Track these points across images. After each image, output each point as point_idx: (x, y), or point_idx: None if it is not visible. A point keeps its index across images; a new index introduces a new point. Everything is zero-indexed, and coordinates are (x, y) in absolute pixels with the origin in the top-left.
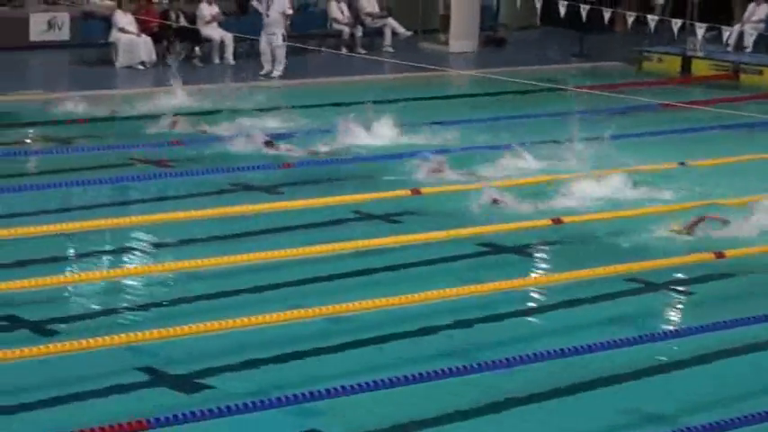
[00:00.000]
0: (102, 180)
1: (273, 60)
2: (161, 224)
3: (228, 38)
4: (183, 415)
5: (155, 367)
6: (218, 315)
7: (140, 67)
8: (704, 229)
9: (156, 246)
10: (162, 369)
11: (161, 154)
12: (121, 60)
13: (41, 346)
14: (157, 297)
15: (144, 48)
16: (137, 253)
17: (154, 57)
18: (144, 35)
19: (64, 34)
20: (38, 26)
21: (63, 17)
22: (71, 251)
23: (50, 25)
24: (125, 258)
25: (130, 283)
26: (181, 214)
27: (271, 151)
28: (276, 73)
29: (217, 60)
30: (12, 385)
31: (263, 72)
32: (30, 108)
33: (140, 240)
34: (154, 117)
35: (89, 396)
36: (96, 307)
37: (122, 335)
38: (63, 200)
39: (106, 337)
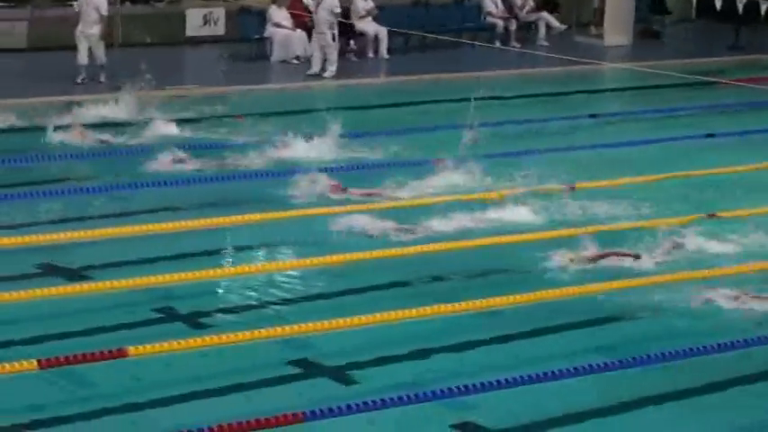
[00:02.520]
0: (259, 174)
1: (324, 60)
2: (315, 220)
3: (383, 32)
4: (339, 408)
5: (309, 360)
6: (366, 309)
7: (295, 61)
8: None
9: (308, 242)
10: (316, 362)
11: None
12: (276, 55)
13: (197, 339)
14: (309, 291)
15: (298, 42)
16: (291, 247)
17: (308, 51)
18: (299, 30)
19: (219, 29)
20: (194, 21)
21: (219, 12)
22: (227, 245)
23: (206, 20)
24: (279, 252)
25: (283, 276)
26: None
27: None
28: (328, 73)
29: (371, 55)
30: (168, 377)
31: (310, 72)
32: (185, 103)
33: (293, 235)
34: (308, 112)
35: (244, 388)
36: (251, 300)
37: (277, 327)
38: (218, 194)
39: (262, 330)
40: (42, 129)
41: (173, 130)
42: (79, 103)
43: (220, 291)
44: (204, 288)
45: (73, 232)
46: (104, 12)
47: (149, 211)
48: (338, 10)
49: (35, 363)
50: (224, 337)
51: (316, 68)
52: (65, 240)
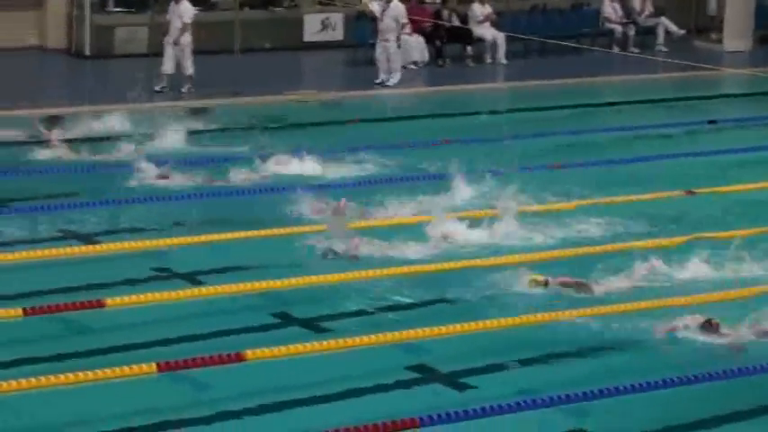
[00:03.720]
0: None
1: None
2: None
3: (501, 37)
4: (456, 414)
5: (425, 365)
6: (478, 315)
7: (413, 66)
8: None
9: (422, 247)
10: (432, 367)
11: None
12: None
13: (314, 343)
14: (421, 296)
15: (416, 47)
16: (404, 252)
17: (426, 56)
18: (416, 35)
19: (338, 34)
20: (312, 26)
21: (337, 17)
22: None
23: (324, 25)
24: (394, 258)
25: (397, 281)
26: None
27: None
28: (392, 81)
29: (489, 60)
30: (283, 382)
31: (377, 81)
32: (304, 108)
33: (411, 240)
34: (425, 117)
35: (360, 393)
36: (367, 305)
37: (394, 333)
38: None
39: (379, 335)
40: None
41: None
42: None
43: (337, 296)
44: (321, 293)
45: (189, 237)
46: (187, 20)
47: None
48: (404, 19)
49: (154, 366)
50: (341, 341)
51: (383, 76)
52: (182, 244)
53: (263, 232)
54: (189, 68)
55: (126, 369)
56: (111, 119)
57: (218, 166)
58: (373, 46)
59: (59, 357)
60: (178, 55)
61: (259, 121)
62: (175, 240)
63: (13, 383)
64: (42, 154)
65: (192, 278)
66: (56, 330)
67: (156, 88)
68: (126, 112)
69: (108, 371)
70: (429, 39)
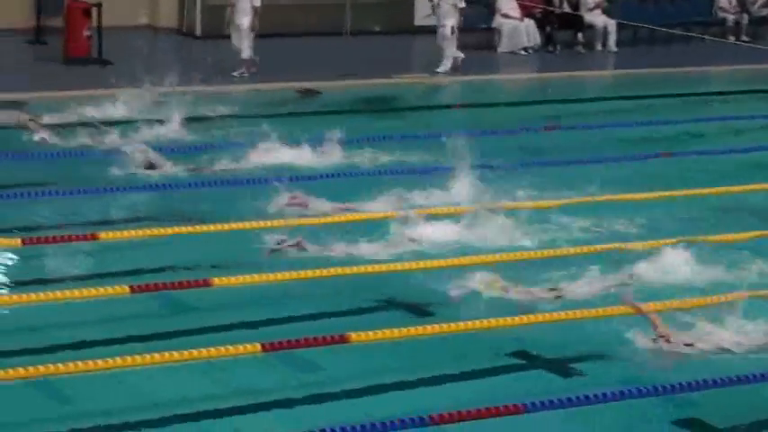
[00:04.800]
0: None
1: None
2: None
3: (612, 25)
4: (559, 401)
5: (529, 351)
6: (588, 303)
7: (522, 52)
8: None
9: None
10: (536, 353)
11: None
12: (504, 45)
13: (418, 327)
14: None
15: (526, 33)
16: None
17: (537, 42)
18: (526, 20)
19: None
20: (423, 10)
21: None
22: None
23: (434, 9)
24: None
25: (499, 267)
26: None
27: None
28: (442, 68)
29: (599, 47)
30: (389, 364)
31: (439, 69)
32: (414, 91)
33: (526, 224)
34: (533, 104)
35: (465, 377)
36: (471, 289)
37: (498, 319)
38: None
39: (483, 321)
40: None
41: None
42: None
43: (440, 280)
44: (425, 277)
45: (296, 219)
46: (257, 3)
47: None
48: (462, 4)
49: (258, 346)
50: (444, 326)
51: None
52: (288, 226)
53: (371, 215)
54: (246, 51)
55: (230, 348)
56: (219, 99)
57: (325, 147)
58: (486, 31)
59: (165, 335)
60: (241, 37)
61: (364, 105)
62: (280, 222)
63: (119, 360)
64: (156, 132)
65: (298, 259)
66: (162, 309)
67: (235, 74)
68: (236, 93)
69: (212, 350)
70: (540, 24)
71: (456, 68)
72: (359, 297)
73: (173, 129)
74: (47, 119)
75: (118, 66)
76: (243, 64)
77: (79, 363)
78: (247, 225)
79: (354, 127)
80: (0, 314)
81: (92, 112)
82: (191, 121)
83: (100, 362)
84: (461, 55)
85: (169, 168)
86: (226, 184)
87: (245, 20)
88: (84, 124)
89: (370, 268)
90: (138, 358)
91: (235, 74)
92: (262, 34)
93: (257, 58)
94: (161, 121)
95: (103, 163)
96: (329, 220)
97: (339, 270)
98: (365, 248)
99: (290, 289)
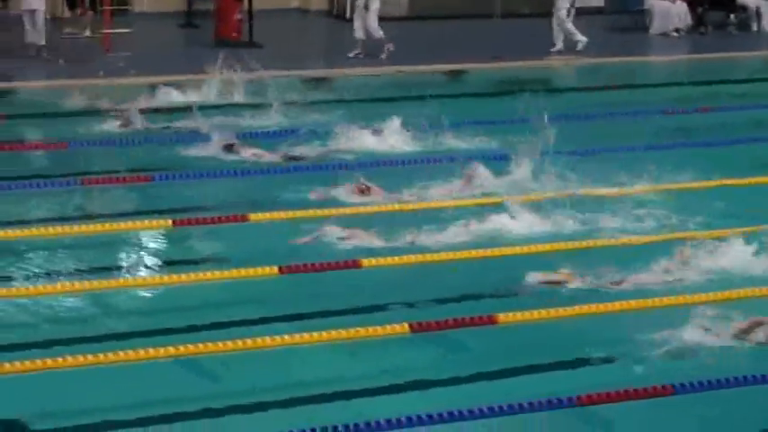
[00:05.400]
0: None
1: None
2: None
3: (764, 5)
4: (709, 382)
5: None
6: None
7: (674, 33)
8: None
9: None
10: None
11: None
12: (655, 27)
13: (559, 309)
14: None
15: (678, 14)
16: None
17: (688, 23)
18: (678, 1)
19: (599, 0)
20: None
21: None
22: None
23: None
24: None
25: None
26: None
27: None
28: (555, 49)
29: (754, 29)
30: (536, 345)
31: (553, 49)
32: (565, 73)
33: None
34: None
35: (611, 359)
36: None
37: (647, 299)
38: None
39: (631, 301)
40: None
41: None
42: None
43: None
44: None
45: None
46: None
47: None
48: None
49: (407, 326)
50: (586, 307)
51: (558, 45)
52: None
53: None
54: (375, 33)
55: (378, 329)
56: (366, 81)
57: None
58: (638, 12)
59: (312, 315)
60: (366, 20)
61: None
62: (431, 204)
63: (267, 340)
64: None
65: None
66: (310, 289)
67: (350, 55)
68: (386, 75)
69: (361, 330)
70: (692, 5)
71: (572, 49)
72: (505, 278)
73: (316, 110)
74: (195, 99)
75: (268, 48)
76: (359, 45)
77: (228, 342)
78: (397, 207)
79: (505, 108)
80: (151, 294)
81: (240, 95)
82: (336, 102)
83: (249, 341)
84: (583, 39)
85: (312, 151)
86: (383, 164)
87: (374, 2)
88: (232, 106)
89: (517, 249)
90: (286, 338)
91: (350, 54)
92: (414, 17)
93: (385, 38)
94: (307, 103)
95: (253, 145)
96: (484, 201)
97: (482, 252)
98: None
99: (435, 270)
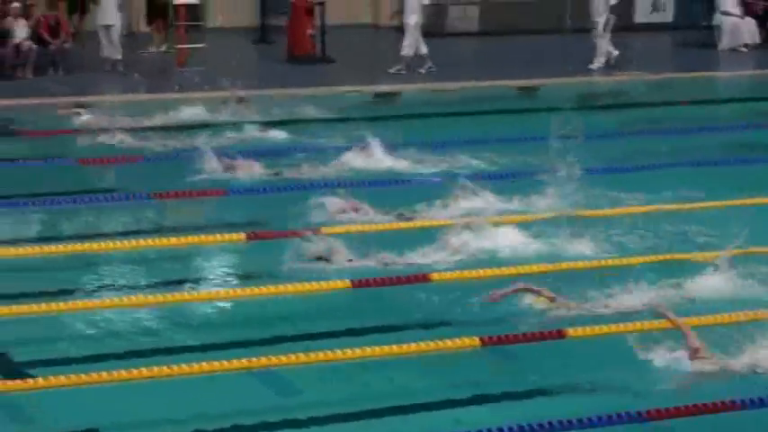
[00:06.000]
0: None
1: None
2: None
3: None
4: None
5: None
6: None
7: (743, 49)
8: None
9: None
10: None
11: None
12: (724, 43)
13: (636, 323)
14: None
15: (748, 29)
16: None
17: (757, 39)
18: (748, 17)
19: (668, 16)
20: (643, 8)
21: None
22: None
23: (655, 7)
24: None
25: None
26: None
27: None
28: (594, 65)
29: None
30: (604, 360)
31: (592, 66)
32: (636, 88)
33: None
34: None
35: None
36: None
37: None
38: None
39: None
40: None
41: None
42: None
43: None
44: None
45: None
46: (426, 1)
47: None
48: (613, 1)
49: (477, 340)
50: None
51: (598, 61)
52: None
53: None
54: (421, 49)
55: (449, 342)
56: (432, 97)
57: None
58: (706, 28)
59: (382, 329)
60: (411, 35)
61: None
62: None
63: (339, 353)
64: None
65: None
66: (379, 303)
67: (391, 70)
68: (450, 91)
69: (431, 344)
70: (761, 22)
71: (609, 64)
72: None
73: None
74: (274, 115)
75: (340, 63)
76: (402, 60)
77: (300, 354)
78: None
79: (577, 123)
80: (224, 307)
81: (314, 109)
82: (407, 117)
83: (320, 354)
84: (615, 51)
85: (392, 162)
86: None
87: (412, 17)
88: (308, 120)
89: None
90: (357, 351)
91: (391, 70)
92: (485, 32)
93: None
94: (376, 119)
95: (330, 157)
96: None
97: (552, 266)
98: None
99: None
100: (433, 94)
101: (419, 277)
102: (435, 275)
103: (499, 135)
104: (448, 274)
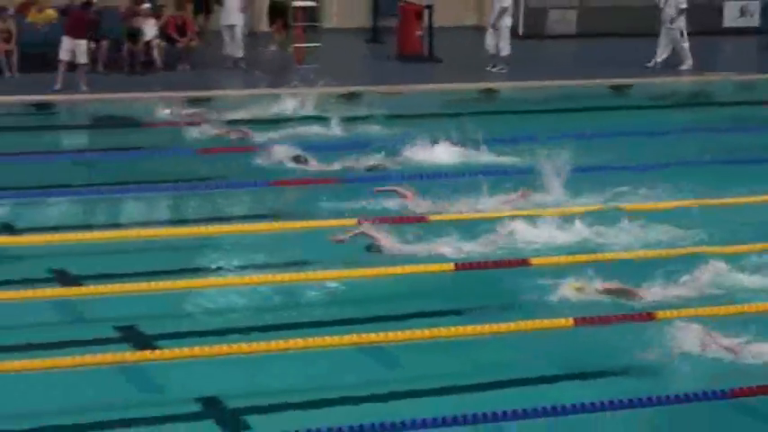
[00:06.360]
0: None
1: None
2: None
3: None
4: None
5: None
6: None
7: None
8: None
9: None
10: None
11: None
12: None
13: (721, 307)
14: None
15: None
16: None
17: None
18: None
19: (754, 21)
20: (731, 13)
21: (755, 5)
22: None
23: (743, 12)
24: None
25: None
26: None
27: None
28: (684, 66)
29: None
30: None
31: (682, 68)
32: (724, 88)
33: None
34: None
35: None
36: None
37: None
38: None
39: None
40: None
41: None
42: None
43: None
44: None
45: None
46: (506, 4)
47: None
48: (684, 6)
49: (571, 320)
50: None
51: (659, 58)
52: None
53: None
54: (504, 50)
55: (545, 322)
56: (533, 94)
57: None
58: None
59: (485, 309)
60: (497, 36)
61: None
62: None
63: (443, 330)
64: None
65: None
66: (481, 285)
67: (488, 68)
68: (550, 88)
69: (528, 322)
70: None
71: (674, 66)
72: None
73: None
74: (384, 109)
75: (446, 62)
76: (502, 60)
77: (407, 332)
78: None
79: (665, 119)
80: (335, 287)
81: (420, 105)
82: (507, 113)
83: (426, 331)
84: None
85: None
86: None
87: (507, 19)
88: (414, 116)
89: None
90: (459, 329)
91: (493, 69)
92: (583, 35)
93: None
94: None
95: (428, 150)
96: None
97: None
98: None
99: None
100: (530, 92)
101: (519, 262)
102: (534, 260)
103: (592, 130)
104: (545, 259)
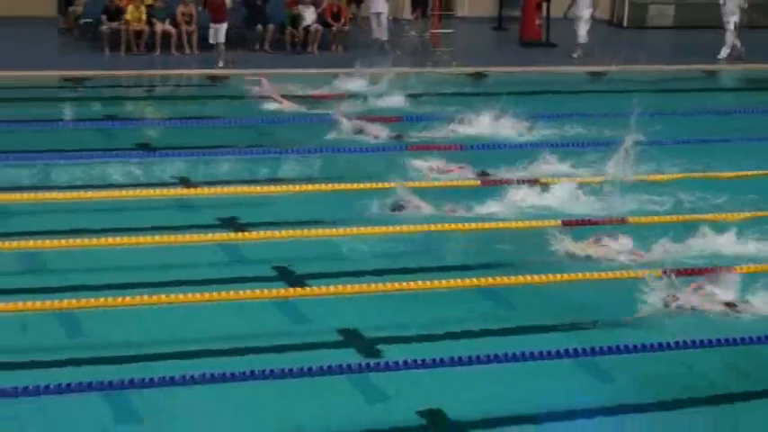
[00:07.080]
0: None
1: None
2: None
3: None
4: None
5: None
6: None
7: None
8: None
9: None
10: None
11: None
12: None
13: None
14: None
15: None
16: None
17: None
18: None
19: None
20: None
21: None
22: None
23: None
24: None
25: None
26: None
27: None
28: (721, 54)
29: None
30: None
31: (720, 56)
32: None
33: None
34: None
35: None
36: None
37: None
38: None
39: None
40: None
41: None
42: None
43: None
44: None
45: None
46: None
47: None
48: (745, 5)
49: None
50: None
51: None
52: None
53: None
54: (581, 38)
55: (632, 273)
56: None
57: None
58: None
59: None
60: (578, 25)
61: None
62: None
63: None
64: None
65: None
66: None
67: (574, 56)
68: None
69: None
70: None
71: (737, 57)
72: None
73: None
74: (506, 87)
75: (561, 48)
76: (579, 48)
77: (449, 281)
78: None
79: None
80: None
81: (535, 84)
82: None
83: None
84: (742, 48)
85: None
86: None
87: (585, 11)
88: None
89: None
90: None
91: (574, 55)
92: (680, 26)
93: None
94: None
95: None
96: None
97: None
98: None
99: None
100: (633, 75)
101: (617, 220)
102: (631, 218)
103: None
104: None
